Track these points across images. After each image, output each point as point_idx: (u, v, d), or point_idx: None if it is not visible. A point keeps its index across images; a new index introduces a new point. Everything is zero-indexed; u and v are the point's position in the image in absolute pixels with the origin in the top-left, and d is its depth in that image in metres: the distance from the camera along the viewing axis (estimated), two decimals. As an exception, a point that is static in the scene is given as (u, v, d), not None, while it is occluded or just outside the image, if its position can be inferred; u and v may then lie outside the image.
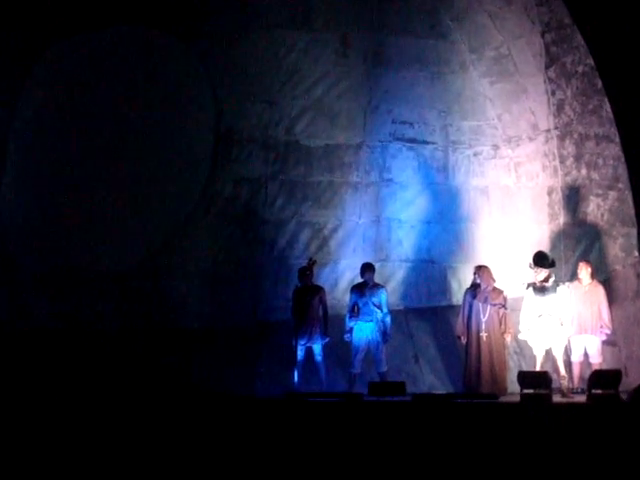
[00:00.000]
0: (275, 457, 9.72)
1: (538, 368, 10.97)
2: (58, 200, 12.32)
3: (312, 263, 11.49)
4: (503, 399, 10.45)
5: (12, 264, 12.21)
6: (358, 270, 12.14)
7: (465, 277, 12.48)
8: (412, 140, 13.16)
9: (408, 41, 13.26)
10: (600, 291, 11.66)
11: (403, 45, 13.27)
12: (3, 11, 12.19)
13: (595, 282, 11.73)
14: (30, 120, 12.50)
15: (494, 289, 11.48)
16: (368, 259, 12.36)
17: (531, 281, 11.30)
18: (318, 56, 13.00)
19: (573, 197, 13.20)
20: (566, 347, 11.54)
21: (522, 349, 11.70)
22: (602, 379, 9.79)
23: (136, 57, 12.67)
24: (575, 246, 13.13)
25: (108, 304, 12.10)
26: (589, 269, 11.74)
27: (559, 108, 13.39)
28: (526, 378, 10.02)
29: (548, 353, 11.15)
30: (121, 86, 12.61)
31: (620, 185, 13.06)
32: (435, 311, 12.52)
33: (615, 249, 12.97)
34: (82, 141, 12.49)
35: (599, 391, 9.76)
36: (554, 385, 10.77)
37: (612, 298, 12.70)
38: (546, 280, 11.15)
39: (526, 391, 9.94)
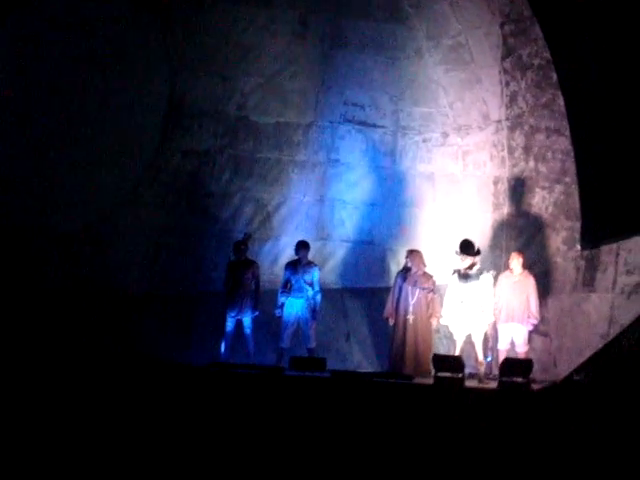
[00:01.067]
0: (191, 425, 9.87)
1: (458, 353, 11.08)
2: (13, 161, 12.40)
3: (247, 238, 11.62)
4: (420, 381, 10.57)
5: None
6: (297, 247, 12.27)
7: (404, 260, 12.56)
8: (362, 123, 13.22)
9: (366, 25, 13.29)
10: (530, 281, 11.75)
11: (361, 28, 13.29)
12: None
13: (526, 272, 11.82)
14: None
15: (424, 273, 11.60)
16: (310, 237, 12.48)
17: (456, 268, 11.39)
18: (276, 34, 13.02)
19: (519, 188, 13.26)
20: (493, 334, 11.65)
21: (452, 334, 11.79)
22: (513, 367, 9.91)
23: (97, 24, 12.68)
24: (517, 236, 13.22)
25: (52, 265, 12.19)
26: (520, 259, 11.83)
27: (512, 99, 13.42)
28: (440, 361, 10.15)
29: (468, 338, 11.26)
30: (81, 52, 12.63)
31: (567, 179, 13.13)
32: (372, 292, 12.61)
33: (557, 242, 13.05)
34: (40, 104, 12.54)
35: (510, 378, 9.86)
36: (474, 370, 10.93)
37: (550, 290, 12.83)
38: (470, 267, 11.25)
39: (440, 374, 10.06)
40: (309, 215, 12.95)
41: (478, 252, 11.37)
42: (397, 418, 9.79)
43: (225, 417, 9.89)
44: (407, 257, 11.72)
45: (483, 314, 11.13)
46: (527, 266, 12.68)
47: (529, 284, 11.72)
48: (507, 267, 12.76)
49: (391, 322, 11.59)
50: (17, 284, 11.92)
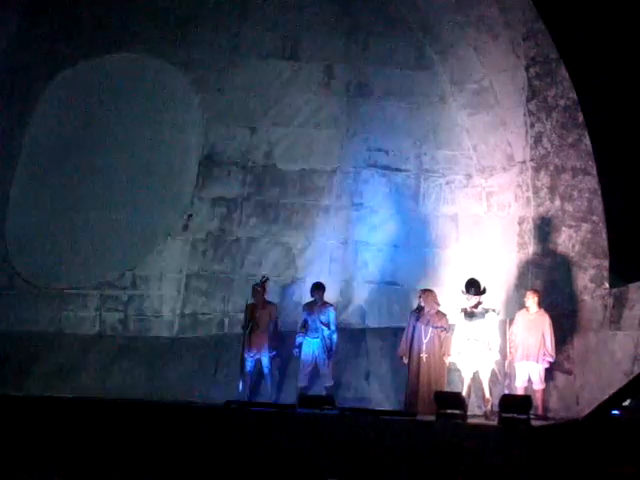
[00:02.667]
0: (205, 460, 10.19)
1: (465, 389, 11.09)
2: (56, 219, 13.11)
3: (264, 281, 11.92)
4: (424, 418, 10.62)
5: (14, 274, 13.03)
6: (323, 289, 12.55)
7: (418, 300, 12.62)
8: (385, 167, 13.44)
9: (391, 73, 13.61)
10: (545, 320, 11.69)
11: (386, 76, 13.61)
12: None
13: (541, 311, 11.76)
14: (38, 139, 13.37)
15: (437, 312, 11.67)
16: (334, 279, 12.74)
17: (463, 307, 11.43)
18: (302, 85, 13.48)
19: (544, 227, 13.20)
20: (510, 372, 11.63)
21: (461, 371, 11.77)
22: (512, 403, 9.86)
23: (136, 82, 13.41)
24: (543, 275, 13.14)
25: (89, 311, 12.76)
26: (536, 298, 11.79)
27: (537, 140, 13.43)
28: (442, 398, 10.19)
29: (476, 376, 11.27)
30: (120, 109, 13.34)
31: (594, 217, 13.05)
32: (394, 331, 12.68)
33: (585, 280, 12.92)
34: (81, 160, 13.27)
35: (510, 415, 9.82)
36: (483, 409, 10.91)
37: (576, 328, 12.72)
38: (475, 306, 11.27)
39: (442, 411, 10.10)
40: (333, 257, 13.18)
41: (483, 291, 11.39)
42: (400, 453, 9.87)
43: (240, 451, 10.17)
44: (420, 296, 11.81)
45: (489, 352, 11.11)
46: (549, 304, 12.67)
47: (544, 322, 11.65)
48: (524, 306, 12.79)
49: (405, 361, 11.67)
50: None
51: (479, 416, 10.84)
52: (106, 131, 13.32)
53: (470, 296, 11.26)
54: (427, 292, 11.75)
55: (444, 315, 11.64)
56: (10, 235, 13.19)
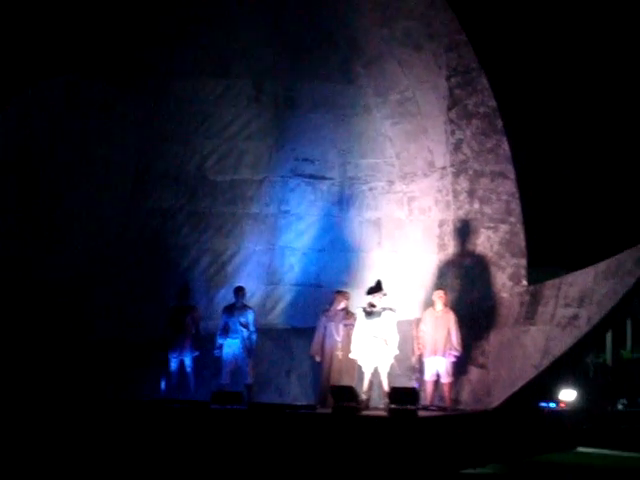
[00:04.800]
0: (122, 453, 10.82)
1: (366, 384, 11.63)
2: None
3: (184, 285, 12.55)
4: (322, 410, 11.19)
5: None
6: (251, 292, 13.14)
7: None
8: (311, 176, 14.01)
9: (318, 86, 14.14)
10: (451, 317, 12.22)
11: (313, 90, 14.14)
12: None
13: (447, 308, 12.28)
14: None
15: (347, 312, 12.21)
16: (261, 283, 13.36)
17: (362, 306, 11.98)
18: (232, 100, 14.02)
19: (464, 229, 13.70)
20: (419, 367, 12.16)
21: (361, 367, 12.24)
22: (400, 395, 10.39)
23: (75, 102, 13.91)
24: (463, 275, 13.64)
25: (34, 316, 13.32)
26: (442, 296, 12.30)
27: (456, 147, 13.93)
28: (338, 392, 10.74)
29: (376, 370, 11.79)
30: (62, 129, 13.88)
31: (512, 219, 13.56)
32: (318, 331, 13.20)
33: (503, 278, 13.43)
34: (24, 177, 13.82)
35: (397, 406, 10.35)
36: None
37: (494, 324, 13.21)
38: (373, 305, 11.80)
39: (338, 404, 10.65)
40: (260, 262, 13.76)
41: (376, 290, 11.87)
42: (300, 443, 10.45)
43: (160, 444, 10.78)
44: (334, 297, 12.37)
45: (387, 348, 11.63)
46: (468, 303, 13.21)
47: (450, 319, 12.18)
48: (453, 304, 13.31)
49: (318, 359, 12.25)
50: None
51: (380, 408, 11.33)
52: (49, 149, 13.81)
53: (367, 296, 11.80)
54: (338, 293, 12.29)
55: (353, 314, 12.16)
56: None
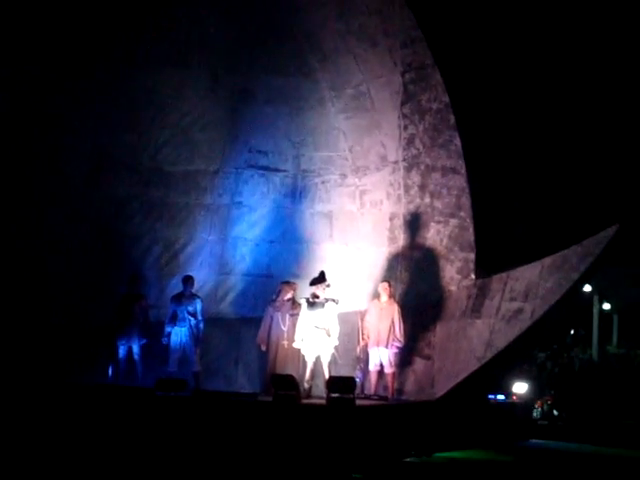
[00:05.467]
0: (65, 437, 10.96)
1: (308, 372, 11.82)
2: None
3: (133, 276, 12.69)
4: (263, 398, 11.37)
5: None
6: (203, 281, 13.29)
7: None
8: (265, 168, 14.16)
9: (274, 79, 14.23)
10: (394, 308, 12.40)
11: (269, 83, 14.23)
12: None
13: (391, 300, 12.47)
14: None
15: (294, 302, 12.37)
16: (213, 273, 13.51)
17: (305, 297, 12.15)
18: (189, 91, 14.08)
19: (414, 223, 13.87)
20: (364, 357, 12.35)
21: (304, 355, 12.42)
22: (338, 385, 10.56)
23: (32, 91, 13.91)
24: (412, 267, 13.82)
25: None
26: (387, 288, 12.48)
27: (409, 142, 14.09)
28: (278, 381, 10.90)
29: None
30: (20, 118, 13.89)
31: (462, 214, 13.72)
32: (266, 320, 13.36)
33: (452, 272, 13.61)
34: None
35: (335, 395, 10.52)
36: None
37: (441, 317, 13.42)
38: (316, 296, 11.97)
39: (278, 392, 10.82)
40: (213, 252, 13.90)
41: (320, 281, 12.04)
42: (241, 430, 10.63)
43: (103, 427, 10.92)
44: (280, 288, 12.53)
45: (329, 338, 11.81)
46: (416, 295, 13.39)
47: (394, 310, 12.37)
48: (401, 296, 13.50)
49: (263, 348, 12.42)
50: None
51: (322, 397, 11.49)
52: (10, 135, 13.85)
53: (311, 287, 11.97)
54: (284, 284, 12.46)
55: (299, 304, 12.33)
56: None
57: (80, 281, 13.55)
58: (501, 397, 15.56)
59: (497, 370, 13.28)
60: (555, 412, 18.66)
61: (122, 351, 12.49)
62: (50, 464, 10.45)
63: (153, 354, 12.76)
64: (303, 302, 12.03)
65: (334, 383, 10.60)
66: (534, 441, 14.90)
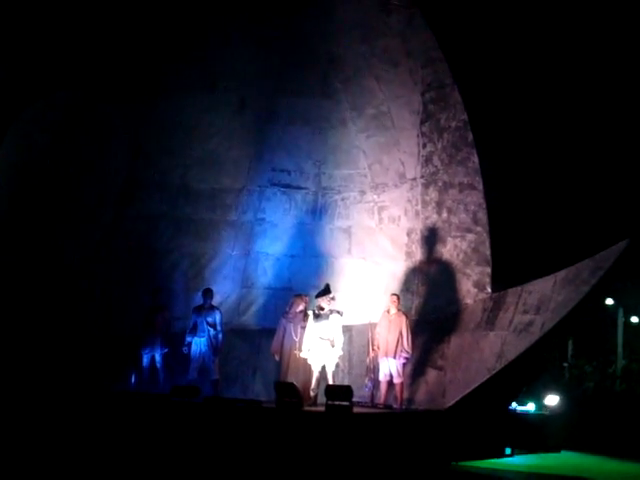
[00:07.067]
0: (88, 439, 11.65)
1: (314, 381, 12.26)
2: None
3: (156, 290, 13.36)
4: (268, 405, 11.83)
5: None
6: (227, 294, 13.92)
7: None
8: (287, 185, 14.72)
9: (298, 101, 14.77)
10: (403, 320, 12.75)
11: (293, 104, 14.78)
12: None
13: (399, 312, 12.82)
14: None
15: (305, 314, 12.86)
16: (236, 286, 14.11)
17: (312, 309, 12.61)
18: (217, 114, 14.70)
19: (431, 238, 14.21)
20: (374, 367, 12.74)
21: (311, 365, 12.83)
22: (335, 393, 10.99)
23: (77, 116, 14.76)
24: (429, 281, 14.16)
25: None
26: (395, 301, 12.85)
27: (427, 159, 14.46)
28: (281, 388, 11.39)
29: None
30: (63, 141, 14.75)
31: (478, 229, 14.00)
32: (287, 332, 13.86)
33: (468, 285, 13.90)
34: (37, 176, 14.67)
35: (334, 402, 10.96)
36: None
37: (456, 329, 13.70)
38: (322, 308, 12.42)
39: (282, 400, 11.31)
40: (236, 267, 14.49)
41: (325, 293, 12.48)
42: (246, 435, 11.15)
43: (125, 431, 11.57)
44: (293, 301, 13.05)
45: (333, 349, 12.25)
46: (433, 308, 13.69)
47: (402, 322, 12.71)
48: (418, 308, 13.84)
49: (277, 358, 12.93)
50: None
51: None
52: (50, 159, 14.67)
53: (316, 300, 12.44)
54: (296, 296, 12.98)
55: (310, 316, 12.81)
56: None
57: (112, 294, 14.24)
58: (529, 408, 15.62)
59: (508, 381, 13.44)
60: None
61: (146, 360, 13.15)
62: (67, 465, 11.10)
63: (175, 362, 13.32)
64: (310, 314, 12.47)
65: (332, 391, 11.02)
66: (565, 452, 14.96)
